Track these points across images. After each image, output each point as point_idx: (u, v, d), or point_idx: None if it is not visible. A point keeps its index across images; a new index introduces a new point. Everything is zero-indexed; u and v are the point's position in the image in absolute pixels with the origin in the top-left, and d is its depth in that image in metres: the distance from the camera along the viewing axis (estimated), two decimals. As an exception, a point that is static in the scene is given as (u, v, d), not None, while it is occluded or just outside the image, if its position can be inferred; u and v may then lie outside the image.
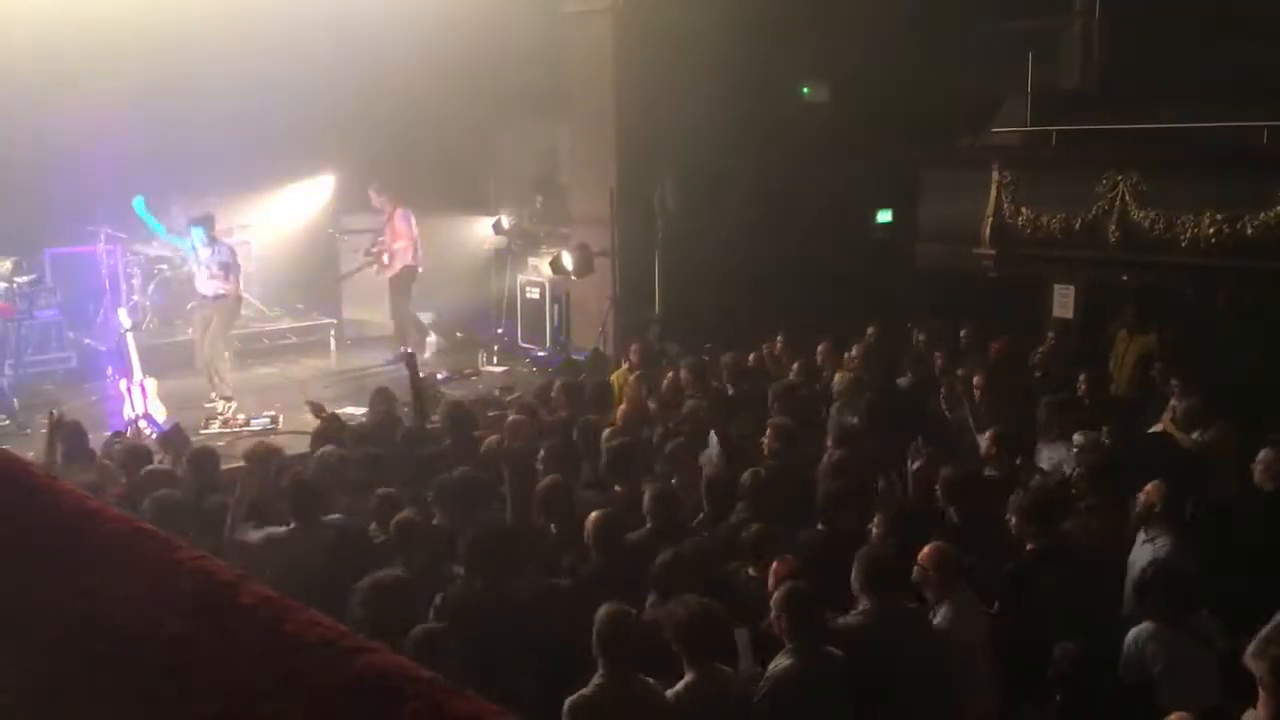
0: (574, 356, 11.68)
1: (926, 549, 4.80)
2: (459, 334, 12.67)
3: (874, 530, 5.29)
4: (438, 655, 3.96)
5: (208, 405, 10.19)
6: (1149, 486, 5.46)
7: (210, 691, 1.09)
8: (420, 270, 12.14)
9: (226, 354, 10.61)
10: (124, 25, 10.55)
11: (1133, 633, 4.54)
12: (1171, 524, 5.32)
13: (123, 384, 9.34)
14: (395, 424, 7.96)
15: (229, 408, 10.06)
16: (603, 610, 4.16)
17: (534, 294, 12.74)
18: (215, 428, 9.48)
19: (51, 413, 6.87)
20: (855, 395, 7.96)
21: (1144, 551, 5.31)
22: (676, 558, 4.93)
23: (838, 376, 8.54)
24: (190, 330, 12.20)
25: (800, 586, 4.42)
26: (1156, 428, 7.30)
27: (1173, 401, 7.33)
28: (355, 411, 9.61)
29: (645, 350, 9.96)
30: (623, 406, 7.89)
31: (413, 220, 11.99)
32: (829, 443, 6.89)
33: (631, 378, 8.98)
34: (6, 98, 10.33)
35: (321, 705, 1.06)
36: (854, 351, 9.05)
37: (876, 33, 11.78)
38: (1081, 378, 7.90)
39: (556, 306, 12.52)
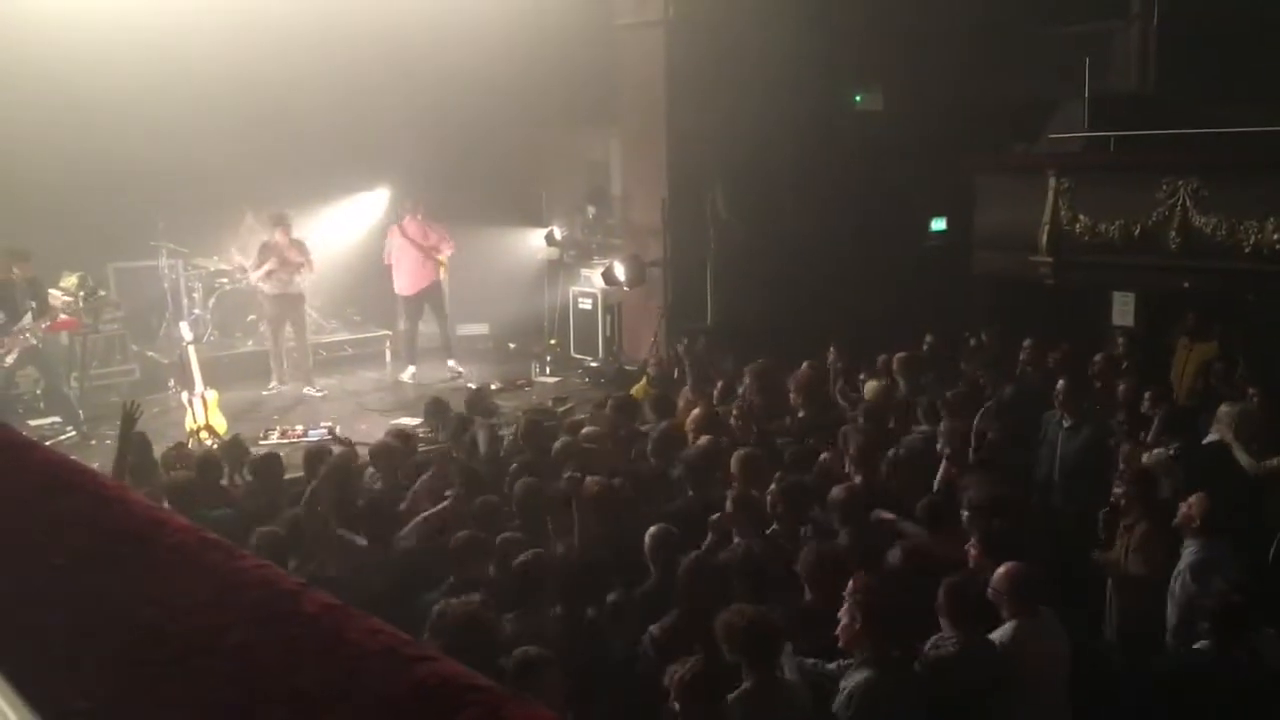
0: (626, 367, 11.70)
1: (1000, 570, 4.69)
2: (511, 345, 12.77)
3: (970, 552, 5.12)
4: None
5: (304, 389, 11.27)
6: (1191, 499, 5.42)
7: (274, 698, 1.11)
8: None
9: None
10: (185, 42, 10.79)
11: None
12: (1208, 535, 5.27)
13: (184, 396, 9.53)
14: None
15: (318, 391, 11.21)
16: (740, 614, 4.16)
17: (586, 304, 12.79)
18: (274, 438, 9.62)
19: (125, 403, 6.92)
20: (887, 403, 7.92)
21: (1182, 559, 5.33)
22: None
23: (869, 385, 8.48)
24: (250, 342, 12.49)
25: (891, 598, 4.34)
26: (1212, 437, 7.10)
27: (1223, 406, 7.10)
28: (410, 422, 9.71)
29: (693, 362, 9.97)
30: (695, 413, 7.76)
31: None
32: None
33: (686, 390, 8.93)
34: (70, 114, 10.59)
35: (382, 711, 1.07)
36: (895, 364, 8.94)
37: (929, 39, 11.71)
38: (1147, 395, 7.69)
39: (609, 317, 12.56)
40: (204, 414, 9.26)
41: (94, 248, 11.58)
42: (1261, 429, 6.83)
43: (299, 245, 11.42)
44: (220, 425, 9.33)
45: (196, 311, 12.36)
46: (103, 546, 1.46)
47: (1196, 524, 5.30)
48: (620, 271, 11.53)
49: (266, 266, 11.22)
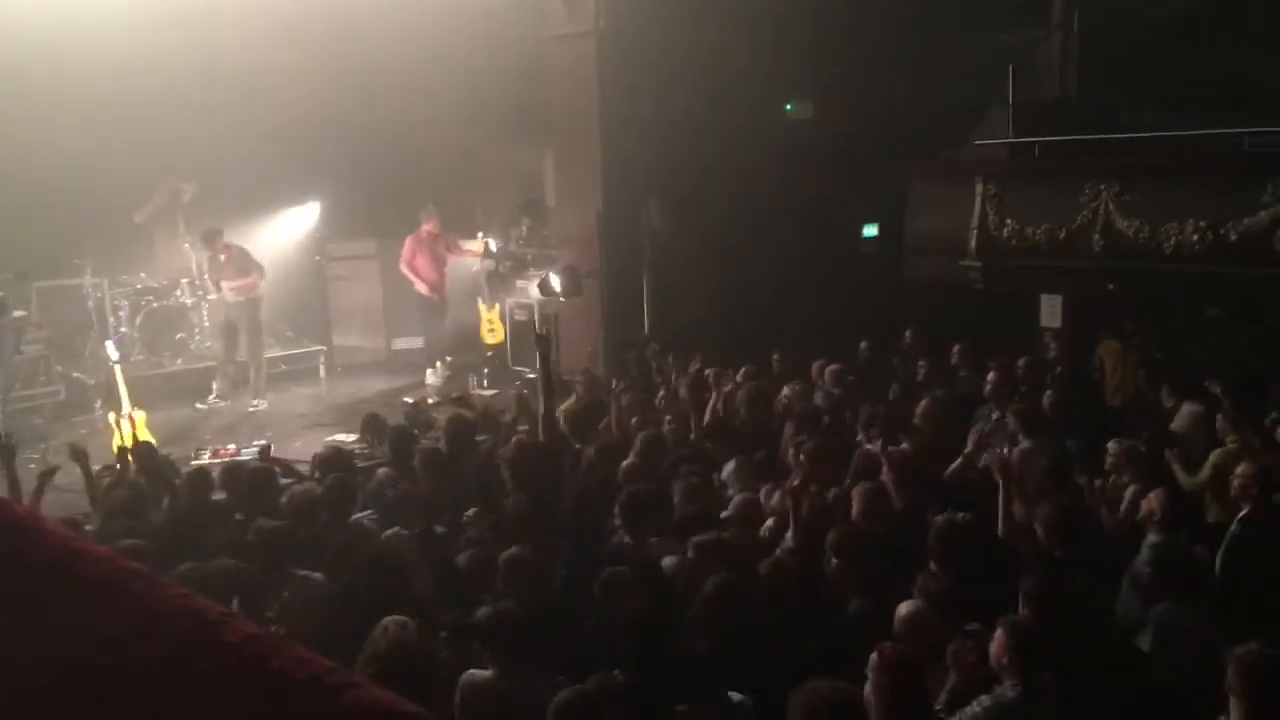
0: (565, 378, 11.65)
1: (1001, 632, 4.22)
2: (448, 358, 12.68)
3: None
4: None
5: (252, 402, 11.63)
6: (1151, 495, 5.58)
7: (199, 731, 1.09)
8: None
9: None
10: (109, 58, 10.58)
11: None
12: (1169, 530, 5.40)
13: (111, 417, 9.32)
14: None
15: (259, 405, 11.57)
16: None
17: (522, 316, 12.75)
18: (206, 458, 9.44)
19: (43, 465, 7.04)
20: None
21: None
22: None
23: (786, 390, 8.57)
24: (180, 360, 12.29)
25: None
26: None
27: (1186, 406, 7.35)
28: (347, 438, 9.60)
29: (641, 368, 10.00)
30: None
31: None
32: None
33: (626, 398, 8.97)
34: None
35: (311, 741, 1.05)
36: (828, 375, 9.05)
37: (858, 49, 11.86)
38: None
39: (546, 328, 12.51)
40: (132, 434, 9.06)
41: (16, 267, 11.31)
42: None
43: (239, 253, 11.71)
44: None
45: (123, 330, 12.12)
46: (20, 578, 1.42)
47: (1158, 518, 5.44)
48: (556, 283, 11.50)
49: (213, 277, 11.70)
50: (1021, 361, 8.95)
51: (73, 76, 10.49)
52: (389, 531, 6.01)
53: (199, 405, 11.56)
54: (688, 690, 4.28)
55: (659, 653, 4.36)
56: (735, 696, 4.23)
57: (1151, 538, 5.42)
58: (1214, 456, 6.61)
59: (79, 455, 6.94)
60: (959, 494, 6.21)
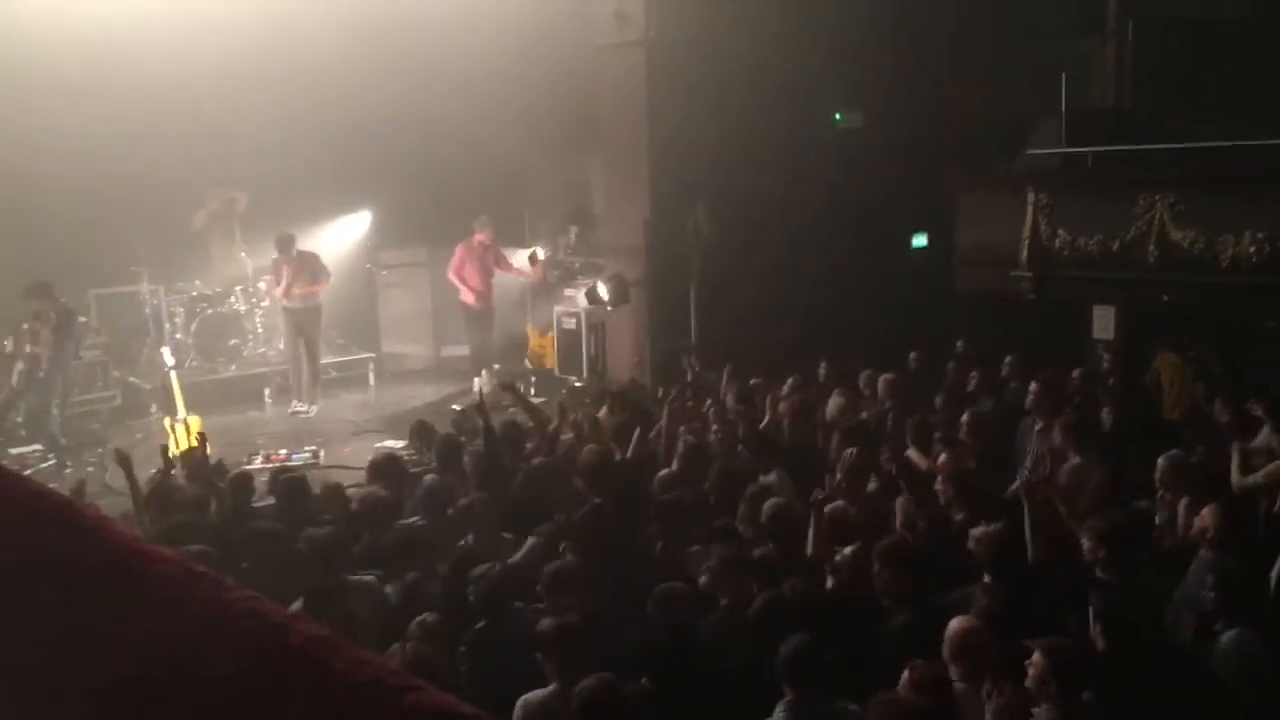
0: (611, 390, 11.68)
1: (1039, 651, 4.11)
2: (496, 365, 12.77)
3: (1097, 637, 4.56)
4: None
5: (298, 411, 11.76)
6: (1204, 511, 5.42)
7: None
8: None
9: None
10: (164, 68, 10.76)
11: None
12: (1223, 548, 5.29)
13: (167, 421, 9.47)
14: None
15: (310, 409, 11.77)
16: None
17: (570, 325, 12.80)
18: (258, 463, 9.56)
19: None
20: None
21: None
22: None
23: (831, 402, 8.51)
24: (234, 366, 12.47)
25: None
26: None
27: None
28: (395, 445, 9.68)
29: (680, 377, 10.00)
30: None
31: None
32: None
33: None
34: (46, 139, 10.53)
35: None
36: (880, 385, 8.99)
37: (909, 57, 11.80)
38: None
39: (593, 337, 12.57)
40: (186, 439, 9.20)
41: (74, 273, 11.53)
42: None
43: (313, 258, 11.92)
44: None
45: (178, 336, 12.32)
46: (85, 580, 1.45)
47: (1210, 535, 5.31)
48: (604, 291, 11.54)
49: (285, 283, 11.73)
50: (1075, 373, 8.85)
51: (127, 86, 10.66)
52: (465, 539, 6.08)
53: (290, 412, 11.77)
54: (713, 702, 4.29)
55: (684, 664, 4.38)
56: (852, 707, 4.17)
57: (1204, 554, 5.32)
58: (1271, 467, 6.49)
59: (124, 461, 7.05)
60: (1006, 508, 6.13)
